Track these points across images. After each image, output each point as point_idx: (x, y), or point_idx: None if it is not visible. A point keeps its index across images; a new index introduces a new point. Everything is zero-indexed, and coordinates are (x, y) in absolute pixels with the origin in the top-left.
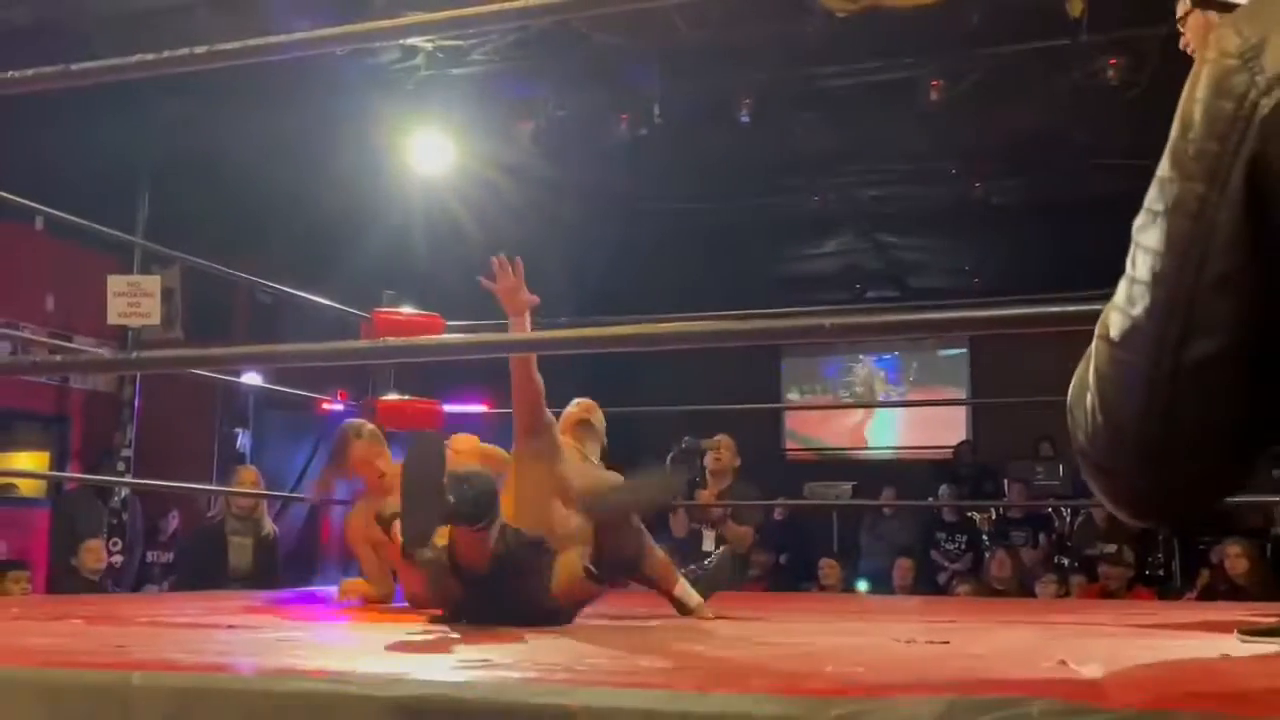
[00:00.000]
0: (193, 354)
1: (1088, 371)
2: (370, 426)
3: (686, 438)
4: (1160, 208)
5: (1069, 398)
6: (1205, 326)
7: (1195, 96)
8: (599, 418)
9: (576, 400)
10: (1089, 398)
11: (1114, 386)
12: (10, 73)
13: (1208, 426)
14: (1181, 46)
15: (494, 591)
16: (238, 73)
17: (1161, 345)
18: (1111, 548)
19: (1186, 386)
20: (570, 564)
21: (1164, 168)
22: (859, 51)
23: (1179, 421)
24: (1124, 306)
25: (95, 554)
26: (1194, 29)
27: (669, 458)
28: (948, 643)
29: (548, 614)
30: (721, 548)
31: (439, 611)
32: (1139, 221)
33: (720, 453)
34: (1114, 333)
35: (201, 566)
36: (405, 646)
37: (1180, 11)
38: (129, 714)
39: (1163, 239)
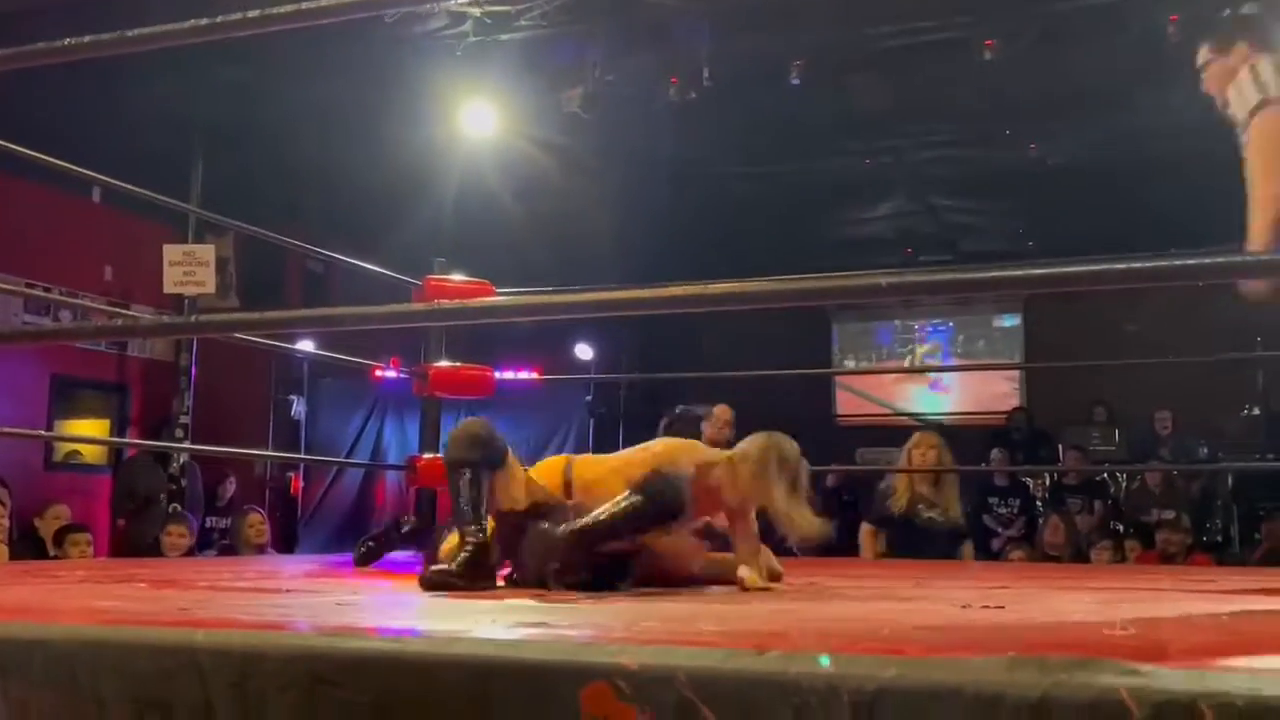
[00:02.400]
0: (250, 317)
1: None
2: None
3: (680, 405)
4: None
5: None
6: None
7: None
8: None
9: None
10: None
11: None
12: (67, 40)
13: None
14: (1204, 91)
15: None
16: (290, 41)
17: None
18: (1169, 513)
19: None
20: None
21: None
22: (911, 10)
23: None
24: None
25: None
26: (1215, 76)
27: (663, 424)
28: (1004, 608)
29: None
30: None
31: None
32: None
33: (716, 421)
34: None
35: None
36: (463, 608)
37: (1200, 60)
38: (202, 673)
39: None
